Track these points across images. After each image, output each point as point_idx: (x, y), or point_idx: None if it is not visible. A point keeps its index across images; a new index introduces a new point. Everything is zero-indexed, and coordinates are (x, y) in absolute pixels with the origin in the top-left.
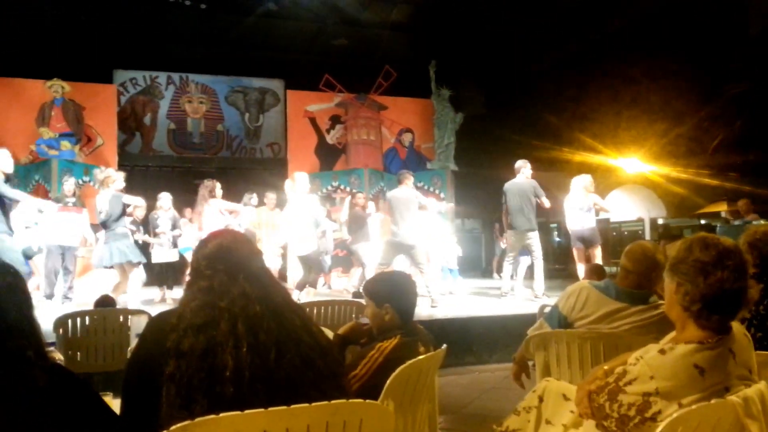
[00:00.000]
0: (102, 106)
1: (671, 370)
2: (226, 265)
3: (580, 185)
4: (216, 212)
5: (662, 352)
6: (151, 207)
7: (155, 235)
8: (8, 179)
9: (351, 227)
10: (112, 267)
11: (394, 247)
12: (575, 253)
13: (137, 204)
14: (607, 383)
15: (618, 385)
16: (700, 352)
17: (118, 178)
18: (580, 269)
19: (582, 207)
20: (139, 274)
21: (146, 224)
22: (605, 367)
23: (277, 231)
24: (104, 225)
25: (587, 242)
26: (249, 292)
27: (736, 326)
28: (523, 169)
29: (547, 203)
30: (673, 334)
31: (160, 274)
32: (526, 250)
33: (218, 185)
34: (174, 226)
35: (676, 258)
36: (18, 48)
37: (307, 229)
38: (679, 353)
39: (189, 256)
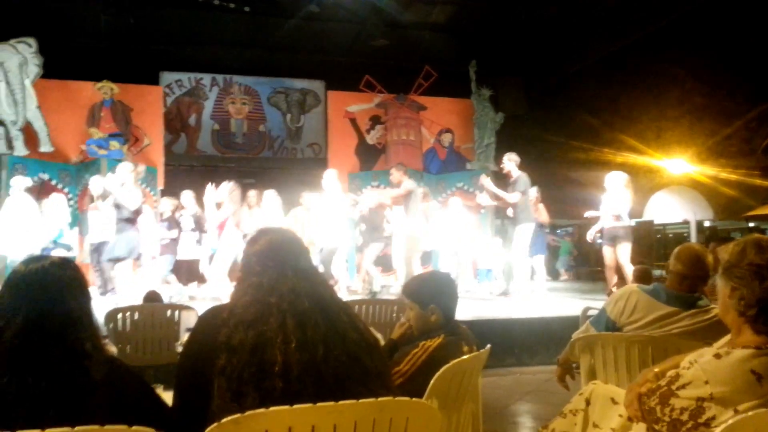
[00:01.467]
0: (149, 107)
1: (727, 376)
2: (275, 261)
3: (618, 183)
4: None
5: (717, 356)
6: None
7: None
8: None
9: (367, 224)
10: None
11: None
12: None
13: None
14: (658, 386)
15: (670, 389)
16: (757, 357)
17: (121, 166)
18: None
19: (617, 205)
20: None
21: (171, 222)
22: (656, 370)
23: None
24: None
25: (619, 240)
26: (298, 289)
27: None
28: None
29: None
30: (728, 337)
31: (183, 272)
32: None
33: (224, 187)
34: (197, 224)
35: (730, 262)
36: (70, 51)
37: (332, 226)
38: (736, 358)
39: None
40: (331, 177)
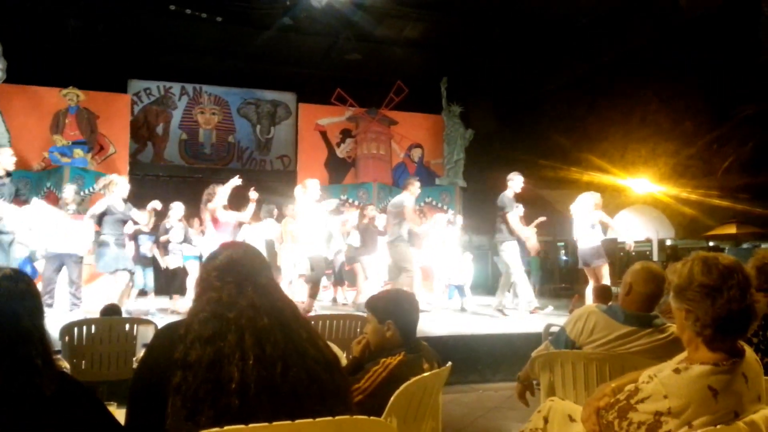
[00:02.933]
0: (116, 115)
1: (686, 390)
2: (235, 276)
3: (587, 202)
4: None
5: (677, 371)
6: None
7: (164, 243)
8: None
9: (362, 238)
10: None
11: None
12: (587, 271)
13: (137, 219)
14: (617, 400)
15: (629, 403)
16: (715, 374)
17: (120, 183)
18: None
19: (590, 224)
20: (123, 281)
21: (156, 233)
22: (613, 385)
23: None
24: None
25: (589, 260)
26: (257, 304)
27: (749, 350)
28: (510, 182)
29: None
30: (685, 353)
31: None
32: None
33: (219, 191)
34: (185, 235)
35: (680, 285)
36: (35, 56)
37: (318, 235)
38: (695, 373)
39: (191, 265)
40: (315, 186)
